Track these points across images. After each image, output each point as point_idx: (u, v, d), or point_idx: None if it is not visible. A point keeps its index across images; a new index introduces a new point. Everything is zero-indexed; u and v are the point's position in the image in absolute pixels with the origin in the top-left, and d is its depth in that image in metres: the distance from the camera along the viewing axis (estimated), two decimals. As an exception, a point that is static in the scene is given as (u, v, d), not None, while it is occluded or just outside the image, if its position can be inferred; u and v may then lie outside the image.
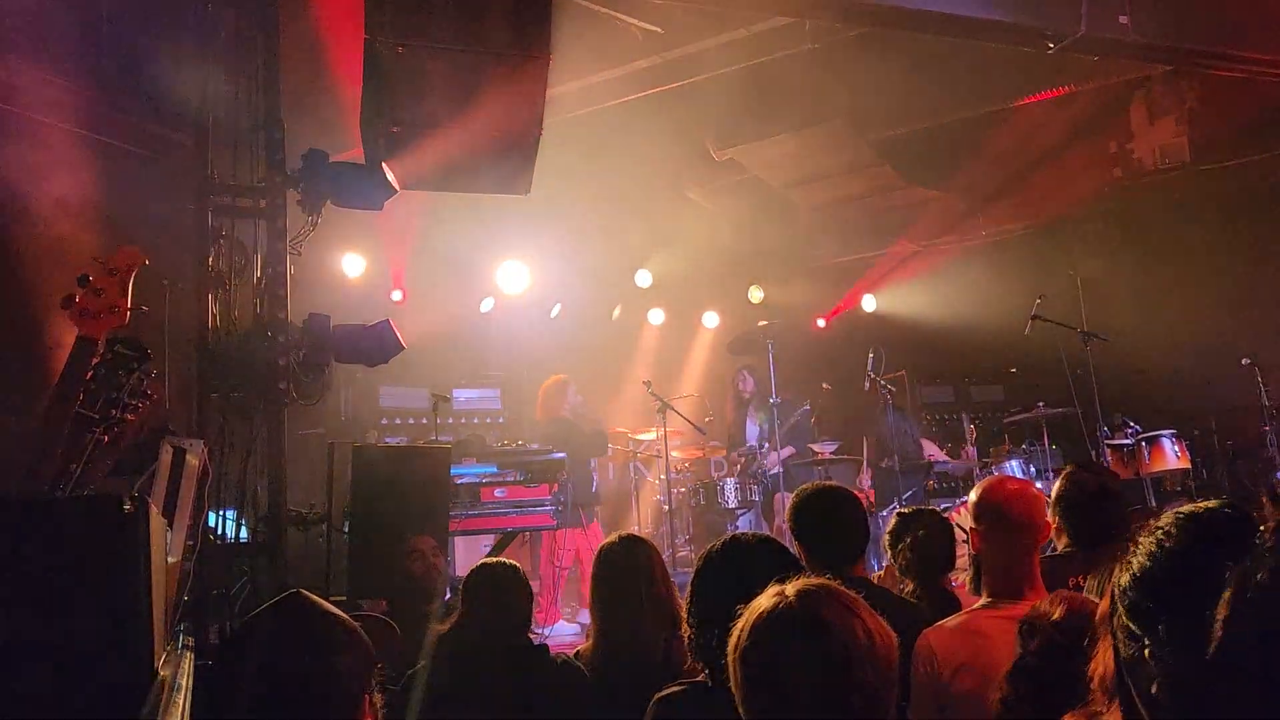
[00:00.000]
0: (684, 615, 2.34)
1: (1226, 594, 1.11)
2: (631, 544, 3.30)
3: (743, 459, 8.71)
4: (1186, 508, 1.37)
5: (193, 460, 3.44)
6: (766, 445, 8.55)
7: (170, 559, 3.06)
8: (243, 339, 4.46)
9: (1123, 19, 5.69)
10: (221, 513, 4.34)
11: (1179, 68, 6.84)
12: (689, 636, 2.30)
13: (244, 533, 4.55)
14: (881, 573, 4.46)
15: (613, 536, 3.37)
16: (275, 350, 4.41)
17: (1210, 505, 1.35)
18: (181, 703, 1.97)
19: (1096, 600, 2.17)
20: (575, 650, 3.34)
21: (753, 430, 8.86)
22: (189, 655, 2.83)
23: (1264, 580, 1.08)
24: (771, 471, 8.35)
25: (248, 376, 4.42)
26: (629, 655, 3.05)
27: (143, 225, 5.25)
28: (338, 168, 4.69)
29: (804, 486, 3.31)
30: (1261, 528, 1.17)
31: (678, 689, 2.23)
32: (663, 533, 7.97)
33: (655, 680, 2.37)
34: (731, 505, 7.95)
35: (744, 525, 8.06)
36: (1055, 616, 2.07)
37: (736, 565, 2.31)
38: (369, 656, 1.72)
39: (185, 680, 2.21)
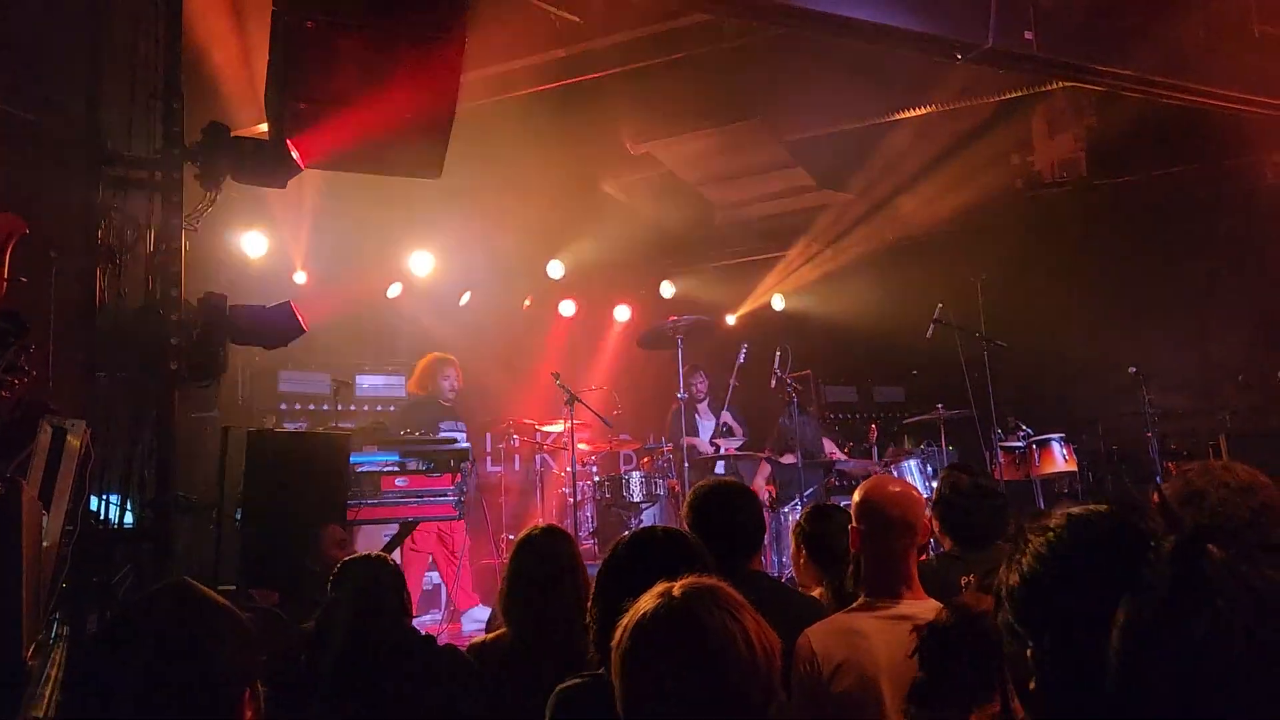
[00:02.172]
0: (589, 607, 2.33)
1: (1120, 620, 1.12)
2: (551, 536, 3.28)
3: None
4: (1076, 510, 1.40)
5: (73, 441, 3.29)
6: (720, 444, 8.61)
7: (45, 544, 2.92)
8: (133, 316, 4.28)
9: (1028, 34, 5.86)
10: (105, 497, 4.16)
11: (1078, 84, 7.08)
12: (592, 628, 2.28)
13: (129, 518, 4.37)
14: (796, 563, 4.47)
15: (533, 528, 3.34)
16: (167, 329, 4.24)
17: (1098, 510, 1.38)
18: (48, 695, 1.87)
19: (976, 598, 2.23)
20: (480, 641, 3.29)
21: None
22: (62, 645, 2.71)
23: (1157, 611, 1.09)
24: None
25: (137, 355, 4.24)
26: (545, 648, 3.03)
27: (25, 193, 4.99)
28: (239, 143, 4.53)
29: (699, 483, 3.34)
30: (1153, 544, 1.19)
31: (578, 681, 2.22)
32: (566, 525, 7.93)
33: (569, 674, 2.35)
34: (636, 499, 7.97)
35: (648, 519, 8.09)
36: (938, 620, 2.10)
37: (642, 558, 2.30)
38: (252, 648, 1.66)
39: (55, 671, 2.10)
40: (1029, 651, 1.23)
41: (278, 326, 4.67)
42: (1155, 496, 2.48)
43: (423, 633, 3.34)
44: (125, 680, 1.56)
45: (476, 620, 7.22)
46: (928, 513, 3.13)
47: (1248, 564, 1.07)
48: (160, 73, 4.46)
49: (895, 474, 7.67)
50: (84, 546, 3.82)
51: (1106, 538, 1.31)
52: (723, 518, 3.13)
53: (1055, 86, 7.50)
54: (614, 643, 1.60)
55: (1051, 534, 1.34)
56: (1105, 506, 1.38)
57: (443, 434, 7.05)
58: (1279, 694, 1.01)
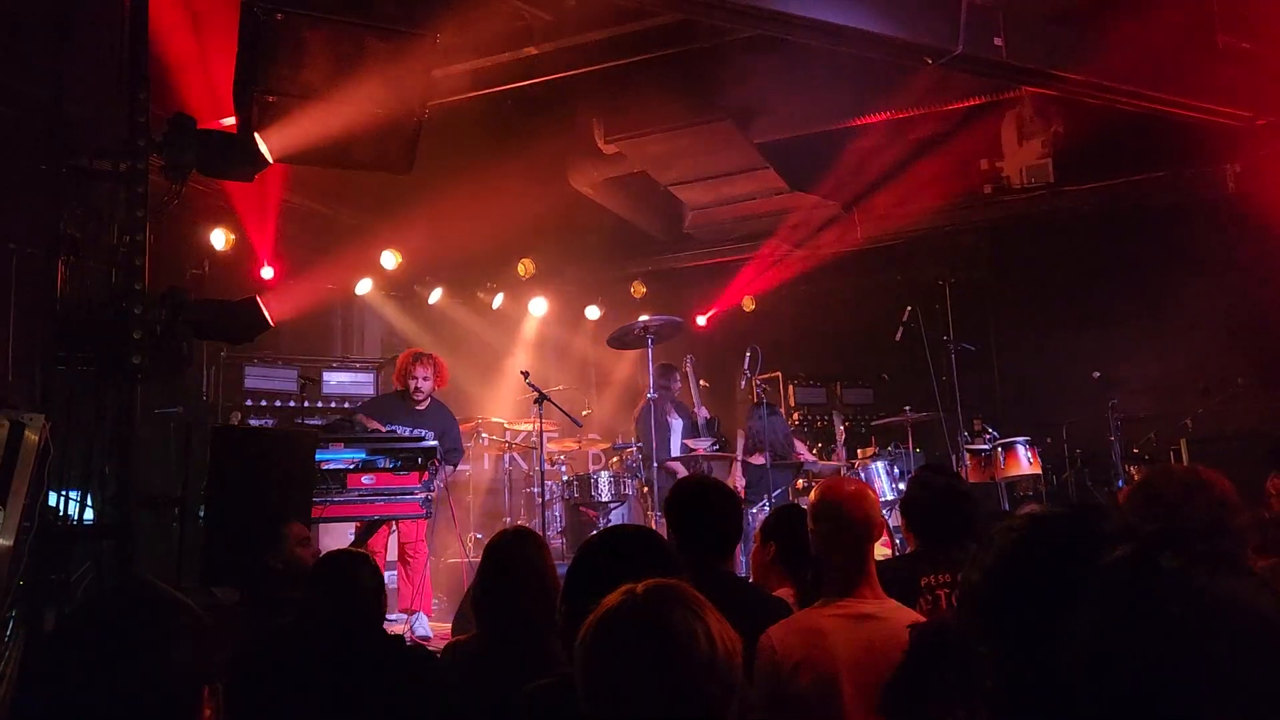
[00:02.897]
0: (558, 606, 2.32)
1: (1075, 624, 1.13)
2: (521, 537, 3.27)
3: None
4: (1038, 510, 1.41)
5: (31, 436, 3.24)
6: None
7: (2, 541, 2.87)
8: (94, 309, 4.21)
9: (997, 41, 5.92)
10: (65, 492, 4.09)
11: (1045, 90, 7.16)
12: (562, 628, 2.27)
13: (89, 514, 4.30)
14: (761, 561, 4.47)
15: (503, 531, 3.33)
16: (130, 323, 4.18)
17: (1059, 511, 1.39)
18: (2, 693, 1.84)
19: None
20: (452, 642, 3.28)
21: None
22: (19, 643, 2.66)
23: (1110, 618, 1.10)
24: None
25: (98, 348, 4.17)
26: (514, 649, 3.02)
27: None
28: (206, 135, 4.48)
29: (682, 478, 3.35)
30: (1109, 551, 1.20)
31: (548, 681, 2.21)
32: (535, 524, 7.91)
33: (539, 674, 2.34)
34: (605, 499, 7.95)
35: (617, 519, 8.09)
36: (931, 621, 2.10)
37: (611, 558, 2.30)
38: (210, 646, 1.64)
39: (10, 669, 2.06)
40: (987, 650, 1.25)
41: (243, 321, 4.61)
42: (1118, 500, 2.51)
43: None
44: (81, 678, 1.53)
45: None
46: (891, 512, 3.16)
47: (1202, 572, 1.08)
48: (126, 63, 4.39)
49: (862, 475, 7.73)
50: (42, 543, 3.76)
51: (1066, 538, 1.32)
52: (701, 516, 3.14)
53: (1023, 93, 7.57)
54: (577, 640, 1.60)
55: (1013, 533, 1.36)
56: (1067, 508, 1.40)
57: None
58: (1230, 700, 1.02)
